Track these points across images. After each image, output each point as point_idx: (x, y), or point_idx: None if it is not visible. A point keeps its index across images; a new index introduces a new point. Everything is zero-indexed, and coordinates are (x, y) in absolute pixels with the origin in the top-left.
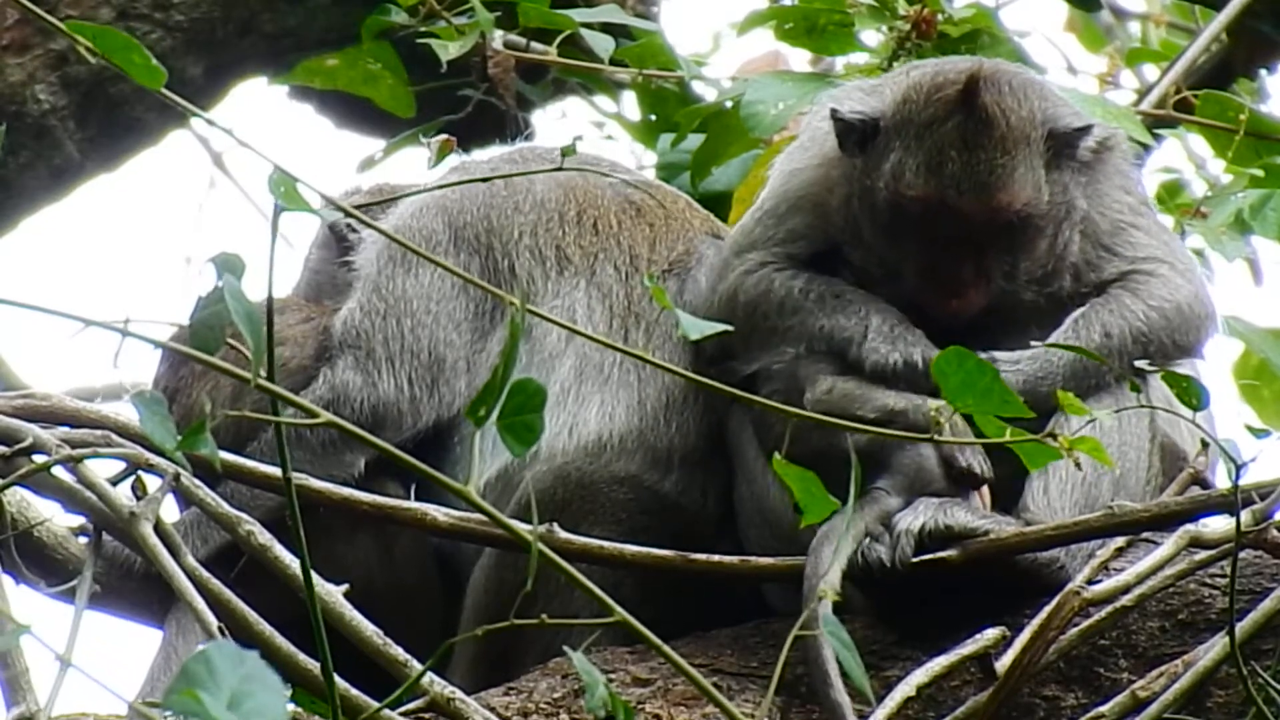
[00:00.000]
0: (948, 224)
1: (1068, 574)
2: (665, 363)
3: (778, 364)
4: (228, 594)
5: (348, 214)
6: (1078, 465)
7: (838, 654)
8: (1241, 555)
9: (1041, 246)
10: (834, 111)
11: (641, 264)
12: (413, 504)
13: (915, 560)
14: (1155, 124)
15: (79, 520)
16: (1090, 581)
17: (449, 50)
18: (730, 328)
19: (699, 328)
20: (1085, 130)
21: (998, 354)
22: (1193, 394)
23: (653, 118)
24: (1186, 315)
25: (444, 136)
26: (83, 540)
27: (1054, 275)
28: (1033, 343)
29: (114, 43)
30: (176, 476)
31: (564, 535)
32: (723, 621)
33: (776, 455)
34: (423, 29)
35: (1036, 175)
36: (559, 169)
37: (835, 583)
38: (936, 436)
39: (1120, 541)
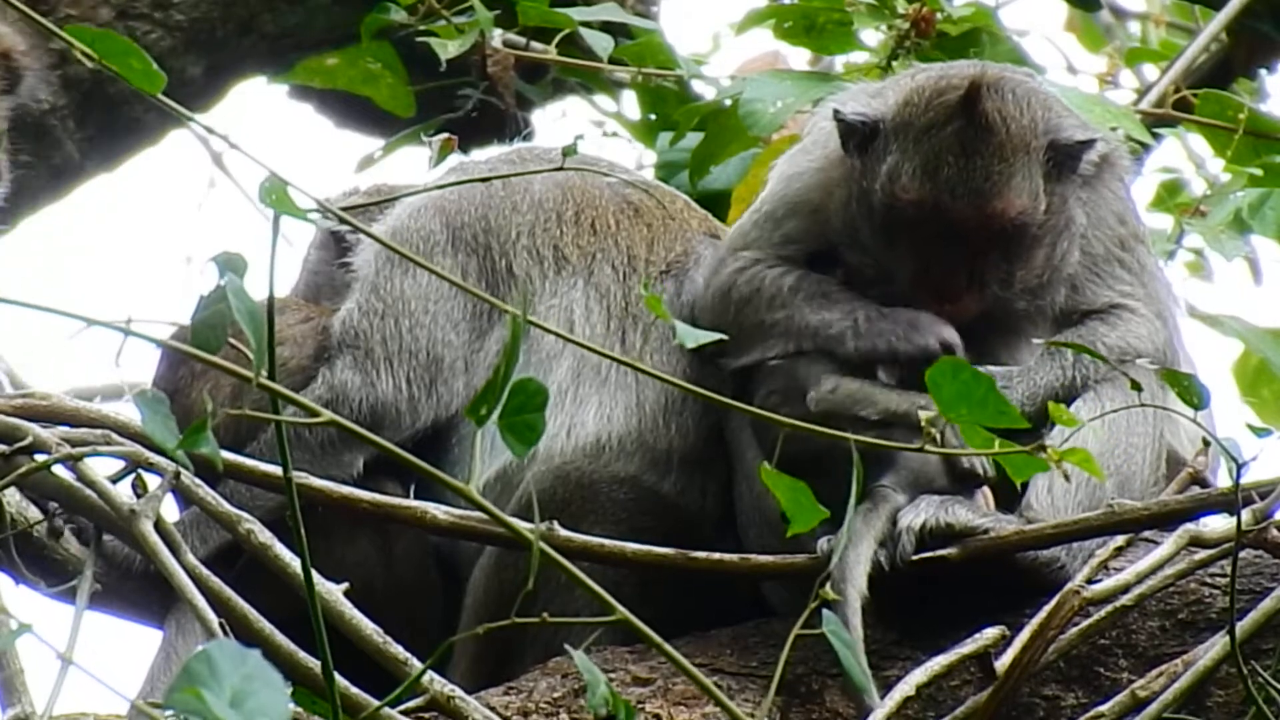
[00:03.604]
0: (942, 229)
1: (1068, 573)
2: (661, 368)
3: (774, 361)
4: (228, 592)
5: (341, 219)
6: (1066, 478)
7: (839, 654)
8: (1241, 555)
9: (1039, 256)
10: (836, 112)
11: (639, 264)
12: (413, 502)
13: (915, 558)
14: (1155, 123)
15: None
16: (1090, 581)
17: (448, 49)
18: (725, 336)
19: (695, 336)
20: (1089, 144)
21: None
22: (1193, 394)
23: (652, 117)
24: (1157, 360)
25: (445, 136)
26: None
27: (1048, 286)
28: (992, 367)
29: (113, 47)
30: (176, 475)
31: (564, 534)
32: (723, 621)
33: (765, 465)
34: (422, 28)
35: (1034, 184)
36: (559, 169)
37: (862, 584)
38: (936, 441)
39: (1120, 540)
